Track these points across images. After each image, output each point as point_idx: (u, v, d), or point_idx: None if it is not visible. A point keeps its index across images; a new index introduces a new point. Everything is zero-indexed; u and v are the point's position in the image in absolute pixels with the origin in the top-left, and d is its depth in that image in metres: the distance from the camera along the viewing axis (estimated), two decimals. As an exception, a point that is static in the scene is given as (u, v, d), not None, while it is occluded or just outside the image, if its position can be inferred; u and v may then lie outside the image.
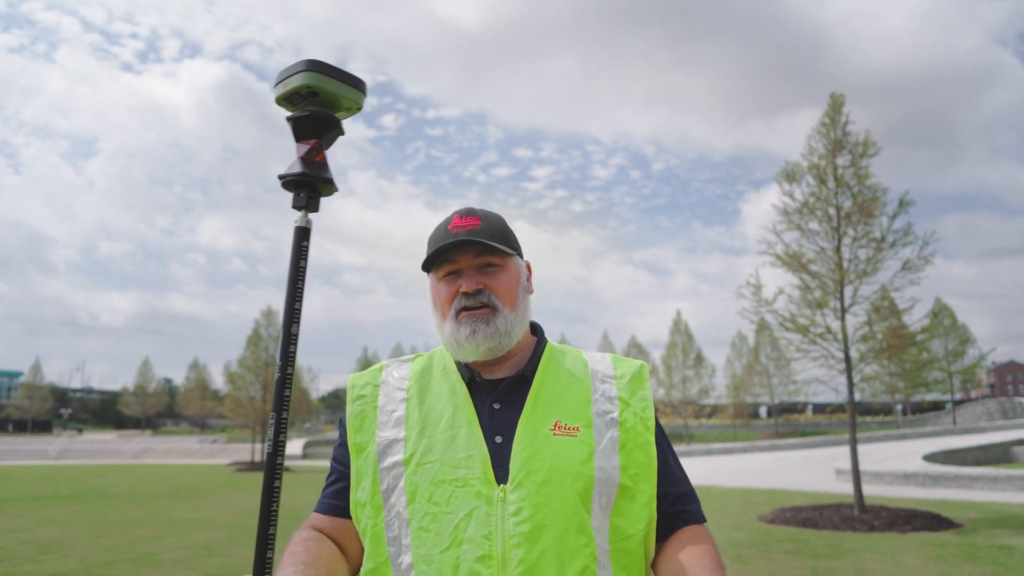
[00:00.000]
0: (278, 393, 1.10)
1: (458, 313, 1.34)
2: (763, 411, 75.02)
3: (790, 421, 71.44)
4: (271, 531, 1.10)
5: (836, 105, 12.99)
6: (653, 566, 1.29)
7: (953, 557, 8.17)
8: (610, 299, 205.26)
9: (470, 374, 1.38)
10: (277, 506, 1.10)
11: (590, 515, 1.22)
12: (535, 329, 1.48)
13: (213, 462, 42.40)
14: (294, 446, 50.04)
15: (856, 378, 12.38)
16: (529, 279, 1.43)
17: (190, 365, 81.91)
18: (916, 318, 13.50)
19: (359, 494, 1.32)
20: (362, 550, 1.33)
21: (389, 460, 1.30)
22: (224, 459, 44.50)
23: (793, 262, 12.43)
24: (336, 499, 1.39)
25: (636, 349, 74.19)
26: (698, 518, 1.34)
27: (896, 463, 19.15)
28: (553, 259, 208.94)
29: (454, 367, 1.40)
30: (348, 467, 1.37)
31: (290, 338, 1.12)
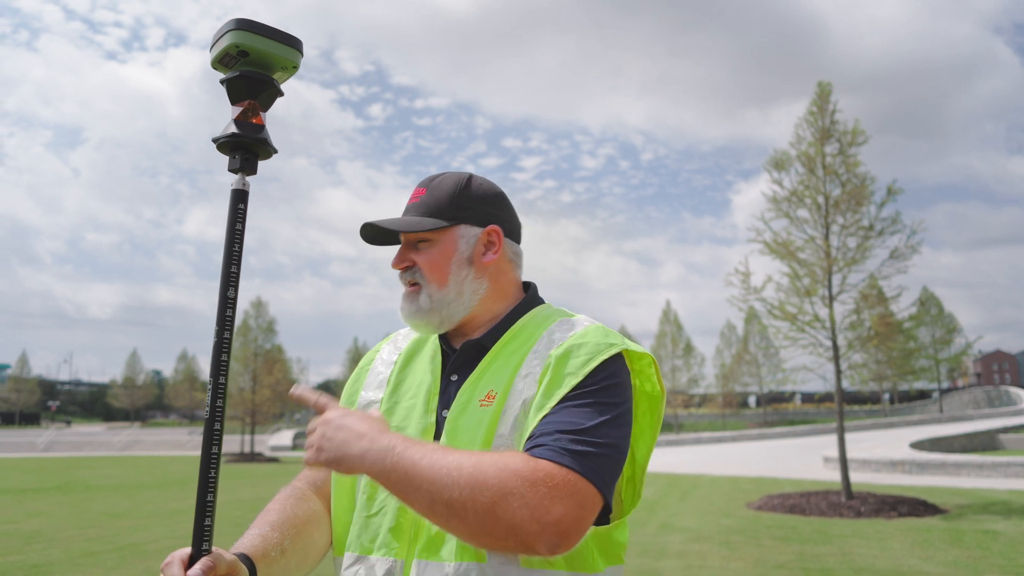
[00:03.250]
0: (215, 359, 1.08)
1: (404, 288, 1.35)
2: (752, 400, 75.46)
3: (779, 410, 71.85)
4: (209, 499, 1.09)
5: (824, 93, 12.98)
6: None
7: (939, 542, 8.22)
8: (600, 289, 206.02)
9: (444, 344, 1.36)
10: (216, 473, 1.09)
11: None
12: (528, 293, 1.40)
13: (202, 454, 42.17)
14: (283, 437, 49.92)
15: (843, 366, 12.43)
16: (492, 246, 1.34)
17: (179, 357, 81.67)
18: (903, 306, 13.58)
19: None
20: None
21: None
22: (213, 451, 44.22)
23: (782, 250, 12.45)
24: None
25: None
26: (542, 447, 1.07)
27: (883, 451, 19.28)
28: (543, 249, 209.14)
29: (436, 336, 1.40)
30: None
31: (227, 302, 1.10)
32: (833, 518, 10.20)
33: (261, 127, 1.14)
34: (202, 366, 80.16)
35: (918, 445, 21.75)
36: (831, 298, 12.07)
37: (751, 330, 62.26)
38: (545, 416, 1.13)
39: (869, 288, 12.86)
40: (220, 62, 1.14)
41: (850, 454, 13.45)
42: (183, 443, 49.55)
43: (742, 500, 12.61)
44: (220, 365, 1.08)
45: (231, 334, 1.10)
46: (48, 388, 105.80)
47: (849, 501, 11.00)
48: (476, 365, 1.28)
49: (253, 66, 1.13)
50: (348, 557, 1.25)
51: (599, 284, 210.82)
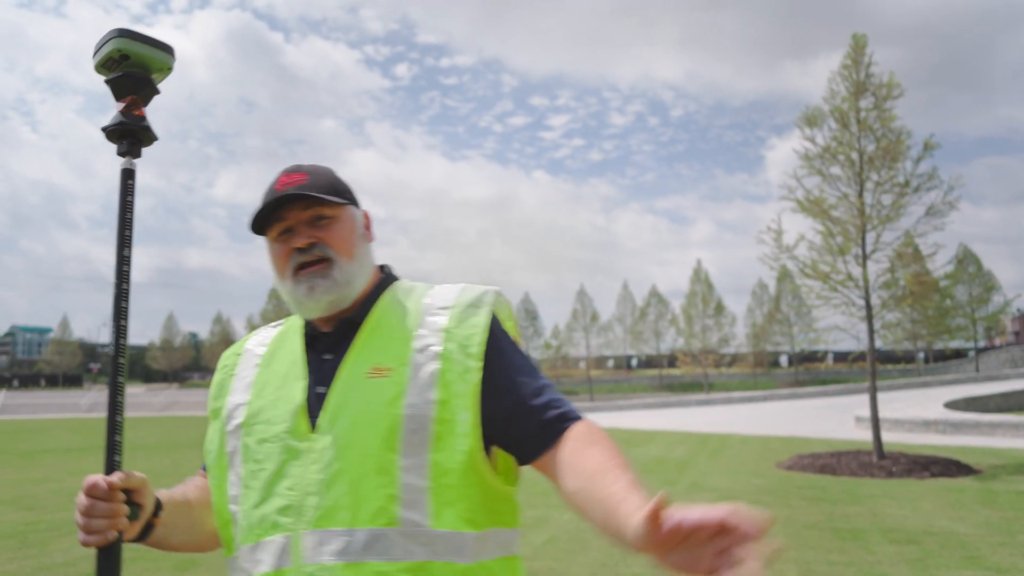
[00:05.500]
0: (116, 305, 1.28)
1: (296, 271, 1.32)
2: (783, 360, 74.96)
3: (810, 370, 71.37)
4: (118, 419, 1.24)
5: (858, 46, 12.61)
6: (554, 474, 1.22)
7: (971, 503, 8.17)
8: (631, 248, 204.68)
9: (312, 329, 1.38)
10: (123, 397, 1.26)
11: (397, 455, 1.18)
12: (385, 270, 1.47)
13: (239, 414, 43.08)
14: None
15: (877, 325, 12.27)
16: (369, 227, 1.43)
17: (214, 319, 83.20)
18: (939, 264, 13.32)
19: (209, 458, 1.38)
20: None
21: (232, 424, 1.34)
22: (249, 411, 45.13)
23: (814, 208, 12.23)
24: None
25: (656, 298, 74.10)
26: (576, 415, 1.25)
27: (916, 410, 19.10)
28: (572, 208, 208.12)
29: (301, 325, 1.41)
30: None
31: (123, 259, 1.30)
32: (864, 478, 10.17)
33: (143, 118, 1.32)
34: (236, 328, 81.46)
35: (952, 405, 21.48)
36: (864, 257, 11.87)
37: (783, 289, 61.69)
38: (518, 381, 1.27)
39: (904, 246, 12.62)
40: (103, 66, 1.31)
41: (882, 414, 13.32)
42: (220, 403, 50.53)
43: (772, 460, 12.61)
44: (120, 310, 1.29)
45: (128, 285, 1.30)
46: (89, 351, 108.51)
47: (880, 461, 10.95)
48: (347, 342, 1.31)
49: (133, 67, 1.31)
50: (240, 551, 1.28)
51: (630, 243, 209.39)
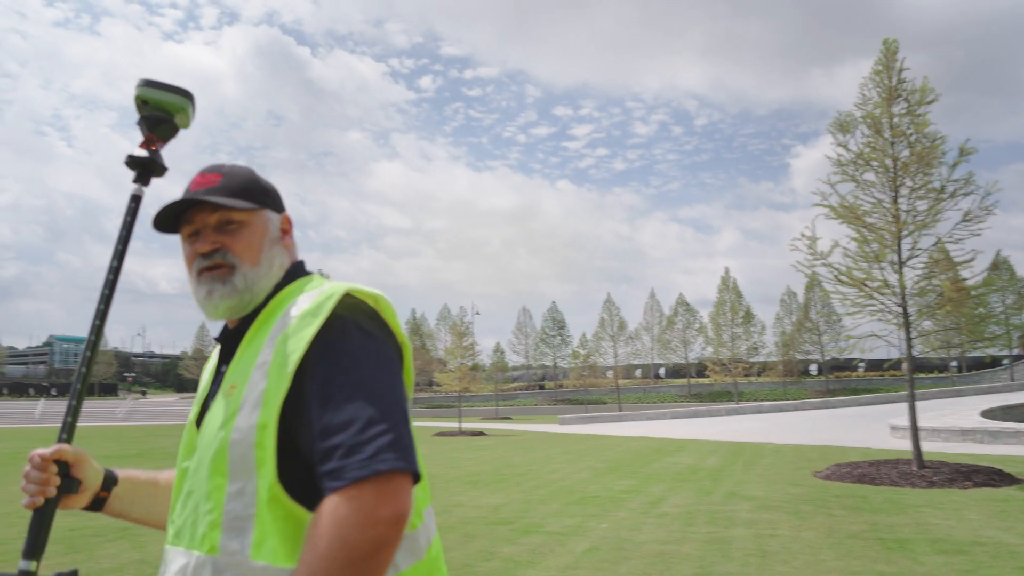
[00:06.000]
0: (101, 302, 1.44)
1: (198, 273, 1.29)
2: (813, 368, 73.98)
3: (841, 379, 70.34)
4: (74, 403, 1.40)
5: (890, 51, 12.50)
6: None
7: (1018, 512, 8.03)
8: (656, 257, 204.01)
9: (224, 334, 1.36)
10: (84, 387, 1.40)
11: (227, 479, 1.13)
12: (291, 268, 1.37)
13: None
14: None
15: (913, 333, 12.10)
16: (288, 232, 1.38)
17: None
18: (977, 271, 13.10)
19: None
20: None
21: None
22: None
23: (849, 214, 12.12)
24: None
25: (684, 307, 73.65)
26: (338, 479, 1.02)
27: (953, 419, 18.78)
28: (597, 218, 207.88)
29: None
30: None
31: (113, 269, 1.45)
32: (904, 487, 10.03)
33: (156, 152, 1.52)
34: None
35: (989, 413, 21.11)
36: (901, 263, 11.74)
37: (812, 297, 60.94)
38: (325, 409, 1.08)
39: (939, 252, 12.45)
40: (136, 107, 1.53)
41: (919, 422, 13.10)
42: (250, 413, 50.99)
43: (808, 469, 12.47)
44: (100, 311, 1.44)
45: (112, 292, 1.45)
46: (124, 360, 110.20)
47: (921, 470, 10.79)
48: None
49: (153, 111, 1.53)
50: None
51: (655, 252, 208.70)
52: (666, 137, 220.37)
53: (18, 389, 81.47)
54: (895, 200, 11.87)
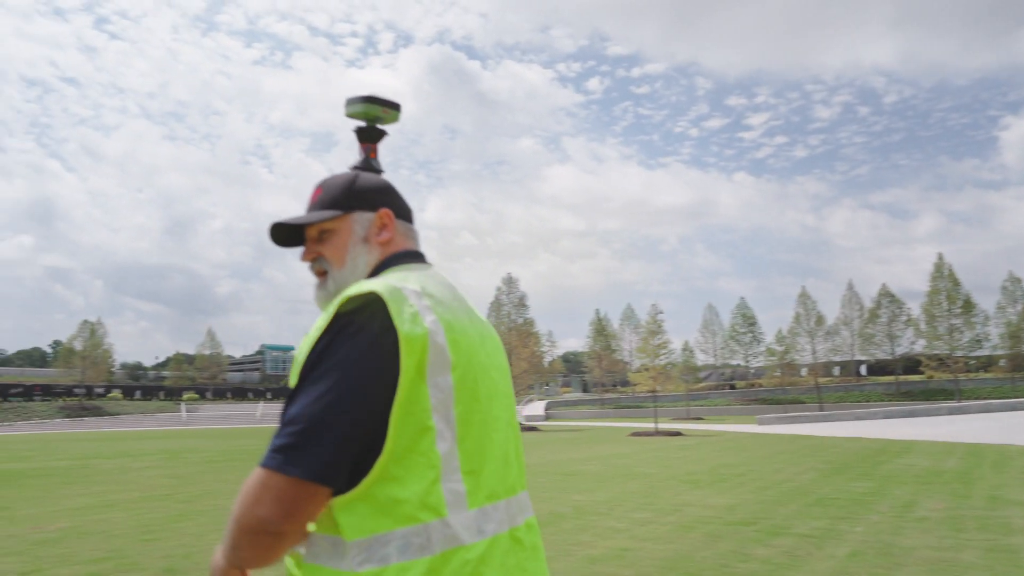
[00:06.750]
0: None
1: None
2: (1047, 363, 65.99)
3: (1082, 373, 62.21)
4: None
5: None
6: None
7: None
8: (847, 247, 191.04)
9: None
10: None
11: None
12: (384, 267, 1.40)
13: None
14: (536, 407, 51.91)
15: None
16: (384, 226, 1.43)
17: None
18: None
19: None
20: None
21: None
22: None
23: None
24: None
25: (888, 298, 68.38)
26: (264, 461, 1.10)
27: None
28: (778, 209, 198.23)
29: None
30: None
31: None
32: None
33: (375, 159, 1.64)
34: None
35: None
36: None
37: (1044, 282, 54.54)
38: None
39: None
40: (349, 115, 1.65)
41: None
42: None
43: (1078, 473, 11.05)
44: None
45: None
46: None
47: None
48: None
49: (371, 121, 1.66)
50: None
51: (845, 242, 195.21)
52: (851, 119, 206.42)
53: (239, 393, 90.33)
54: None
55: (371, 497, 1.11)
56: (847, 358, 73.12)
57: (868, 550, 6.44)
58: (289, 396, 1.15)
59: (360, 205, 1.44)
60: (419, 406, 1.12)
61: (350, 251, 1.40)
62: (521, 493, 1.30)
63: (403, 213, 1.49)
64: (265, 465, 1.08)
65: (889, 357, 70.21)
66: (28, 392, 72.98)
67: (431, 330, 1.16)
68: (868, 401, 61.74)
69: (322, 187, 1.46)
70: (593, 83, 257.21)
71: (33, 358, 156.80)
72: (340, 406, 1.10)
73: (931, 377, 60.41)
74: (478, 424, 1.20)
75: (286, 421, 1.11)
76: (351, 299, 1.16)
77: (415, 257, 1.44)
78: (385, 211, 1.44)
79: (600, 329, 79.29)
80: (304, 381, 1.13)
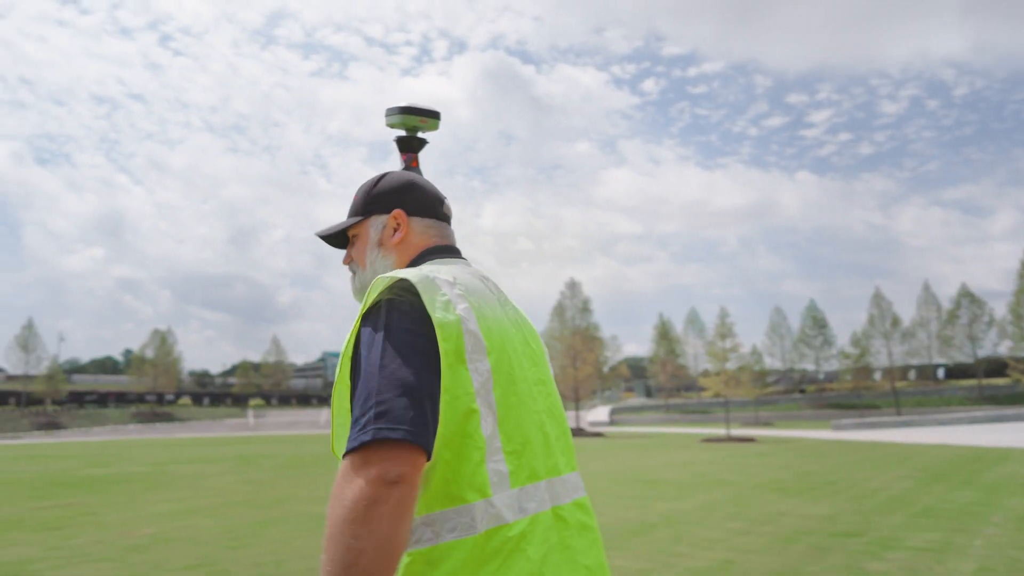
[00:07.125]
0: None
1: None
2: None
3: None
4: None
5: None
6: None
7: None
8: (917, 246, 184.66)
9: None
10: None
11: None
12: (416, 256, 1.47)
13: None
14: (599, 413, 51.34)
15: None
16: (397, 228, 1.47)
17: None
18: None
19: None
20: None
21: None
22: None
23: None
24: None
25: (968, 299, 65.67)
26: (352, 443, 1.07)
27: None
28: (843, 208, 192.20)
29: None
30: None
31: None
32: None
33: (418, 168, 1.71)
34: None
35: None
36: None
37: None
38: (355, 388, 1.17)
39: None
40: (389, 126, 1.74)
41: None
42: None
43: None
44: None
45: None
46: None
47: None
48: None
49: (409, 130, 1.73)
50: None
51: (915, 241, 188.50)
52: (919, 113, 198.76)
53: (303, 400, 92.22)
54: None
55: (423, 479, 1.13)
56: (924, 361, 70.54)
57: (997, 565, 5.96)
58: (366, 368, 1.14)
59: (376, 209, 1.50)
60: (463, 389, 1.15)
61: (368, 255, 1.49)
62: (569, 474, 1.30)
63: (424, 209, 1.50)
64: (362, 441, 1.05)
65: (970, 360, 67.36)
66: (103, 399, 75.80)
67: (463, 317, 1.19)
68: (948, 406, 59.30)
69: (357, 194, 1.56)
70: (648, 84, 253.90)
71: (105, 366, 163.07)
72: (400, 378, 1.11)
73: (1018, 380, 57.61)
74: (516, 407, 1.22)
75: (365, 399, 1.10)
76: (386, 288, 1.22)
77: (447, 252, 1.47)
78: (397, 212, 1.48)
79: (664, 333, 78.18)
80: (365, 365, 1.14)
